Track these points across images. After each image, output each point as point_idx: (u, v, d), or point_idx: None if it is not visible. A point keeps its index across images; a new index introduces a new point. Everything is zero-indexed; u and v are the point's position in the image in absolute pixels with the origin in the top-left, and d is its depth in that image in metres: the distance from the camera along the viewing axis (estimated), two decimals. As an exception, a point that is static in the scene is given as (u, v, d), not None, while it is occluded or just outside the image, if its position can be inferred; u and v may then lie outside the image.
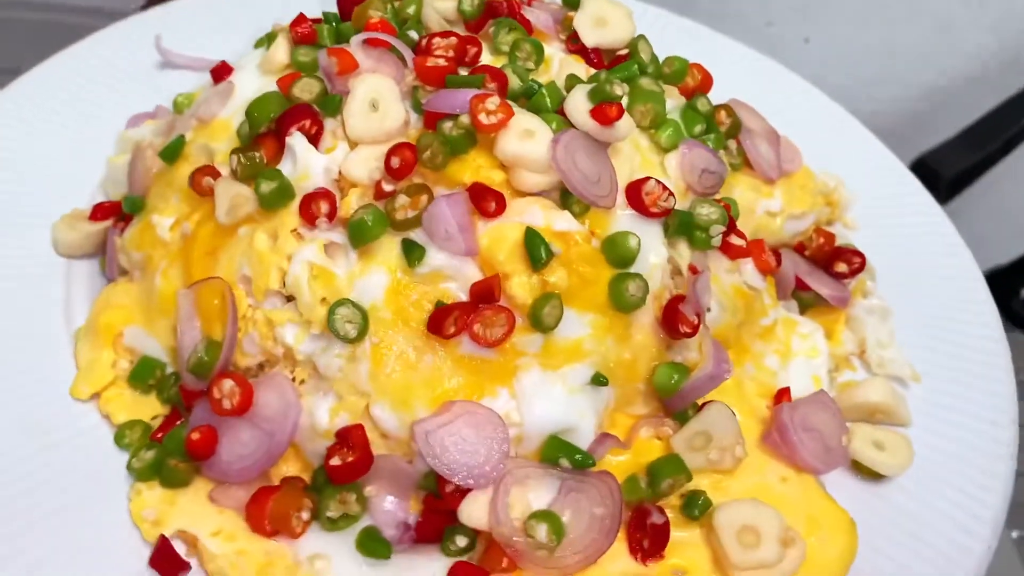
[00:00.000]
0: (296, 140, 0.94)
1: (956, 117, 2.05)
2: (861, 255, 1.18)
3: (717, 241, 1.00)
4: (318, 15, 1.10)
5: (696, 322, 0.94)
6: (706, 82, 1.16)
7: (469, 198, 0.90)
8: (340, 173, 0.93)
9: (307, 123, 0.95)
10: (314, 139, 0.96)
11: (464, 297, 0.90)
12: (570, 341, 0.91)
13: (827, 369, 1.11)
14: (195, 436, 0.89)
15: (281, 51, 1.03)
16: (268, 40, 1.09)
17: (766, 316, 1.08)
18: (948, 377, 1.13)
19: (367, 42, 1.00)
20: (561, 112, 0.96)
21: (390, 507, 0.89)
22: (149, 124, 1.18)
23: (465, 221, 0.90)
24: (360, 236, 0.89)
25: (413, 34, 1.05)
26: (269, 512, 0.87)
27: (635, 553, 0.90)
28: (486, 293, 0.88)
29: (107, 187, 1.17)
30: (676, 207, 0.98)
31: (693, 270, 0.98)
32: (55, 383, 0.98)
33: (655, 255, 0.95)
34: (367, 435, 0.88)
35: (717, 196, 1.06)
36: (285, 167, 0.94)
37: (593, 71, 1.07)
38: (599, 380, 0.92)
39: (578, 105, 0.95)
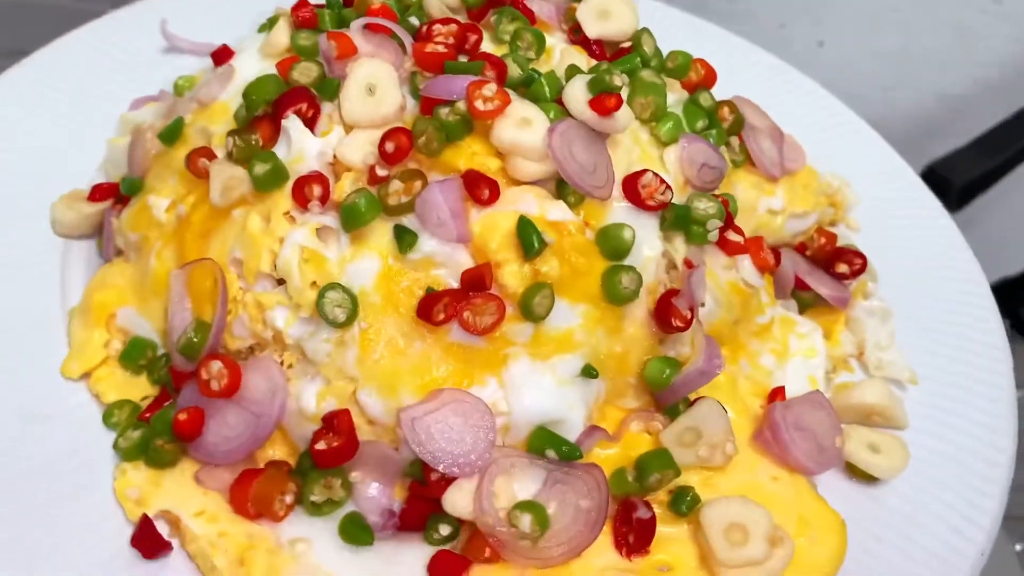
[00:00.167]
0: (291, 123, 0.94)
1: (971, 125, 2.03)
2: (862, 256, 1.17)
3: (714, 236, 0.99)
4: (322, 0, 1.10)
5: (689, 316, 0.93)
6: (709, 77, 1.15)
7: (463, 185, 0.90)
8: (335, 157, 0.93)
9: (304, 106, 0.95)
10: (311, 122, 0.95)
11: (455, 284, 0.89)
12: (561, 331, 0.90)
13: (824, 370, 1.09)
14: (182, 417, 0.88)
15: (282, 35, 1.03)
16: (270, 24, 1.09)
17: (763, 314, 1.07)
18: (948, 381, 1.12)
19: (367, 27, 1.00)
20: (559, 102, 0.96)
21: (374, 493, 0.89)
22: (150, 107, 1.18)
23: (458, 208, 0.89)
24: (352, 220, 0.88)
25: (414, 20, 1.05)
26: (253, 494, 0.87)
27: (620, 547, 0.89)
28: (477, 281, 0.88)
29: (107, 169, 1.17)
30: (674, 201, 0.98)
31: (688, 264, 0.97)
32: (47, 361, 0.98)
33: (649, 248, 0.95)
34: (353, 420, 0.88)
35: (716, 192, 1.05)
36: (280, 150, 0.94)
37: (595, 63, 1.06)
38: (589, 372, 0.91)
39: (577, 95, 0.94)
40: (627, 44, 1.11)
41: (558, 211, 0.91)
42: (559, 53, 1.06)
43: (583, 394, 0.91)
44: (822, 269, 1.17)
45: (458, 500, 0.85)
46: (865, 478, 1.00)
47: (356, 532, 0.86)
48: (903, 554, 0.95)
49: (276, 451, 0.92)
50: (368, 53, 0.97)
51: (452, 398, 0.87)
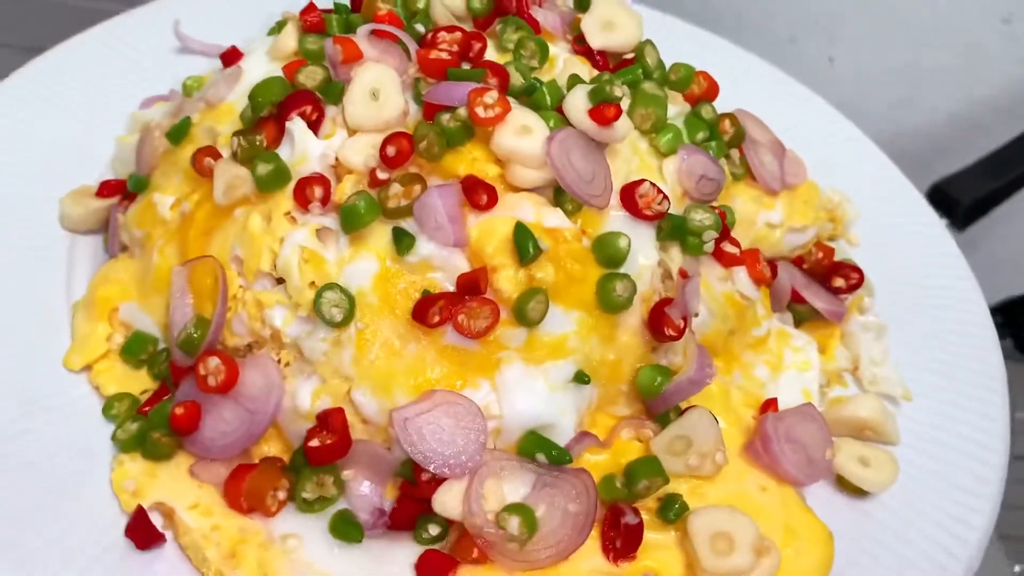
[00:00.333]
0: (295, 125, 0.95)
1: (980, 145, 2.03)
2: (859, 271, 1.18)
3: (710, 247, 1.00)
4: (330, 5, 1.11)
5: (682, 326, 0.94)
6: (712, 90, 1.16)
7: (461, 190, 0.91)
8: (337, 159, 0.95)
9: (308, 109, 0.96)
10: (314, 125, 0.97)
11: (451, 288, 0.90)
12: (554, 337, 0.91)
13: (819, 383, 1.10)
14: (179, 411, 0.90)
15: (289, 39, 1.05)
16: (279, 28, 1.11)
17: (759, 327, 1.08)
18: (942, 398, 1.12)
19: (374, 33, 1.01)
20: (560, 111, 0.97)
21: (366, 492, 0.90)
22: (160, 106, 1.20)
23: (456, 212, 0.90)
24: (351, 222, 0.90)
25: (420, 27, 1.06)
26: (246, 489, 0.88)
27: (607, 552, 0.90)
28: (472, 285, 0.89)
29: (116, 166, 1.19)
30: (671, 212, 0.99)
31: (683, 274, 0.98)
32: (50, 353, 1.00)
33: (645, 257, 0.96)
34: (347, 419, 0.89)
35: (715, 204, 1.06)
36: (283, 151, 0.96)
37: (597, 73, 1.07)
38: (582, 378, 0.92)
39: (577, 104, 0.96)
40: (630, 55, 1.12)
41: (555, 218, 0.93)
42: (562, 63, 1.07)
43: (575, 400, 0.92)
44: (819, 283, 1.17)
45: (447, 501, 0.86)
46: (855, 491, 1.01)
47: (346, 529, 0.87)
48: (890, 569, 0.96)
49: (271, 447, 0.94)
50: (373, 58, 0.99)
51: (444, 399, 0.88)
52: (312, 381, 0.91)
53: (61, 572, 0.82)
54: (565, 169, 0.92)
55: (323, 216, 0.93)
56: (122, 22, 1.36)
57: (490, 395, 0.90)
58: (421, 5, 1.09)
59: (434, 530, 0.88)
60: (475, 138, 0.94)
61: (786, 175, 1.19)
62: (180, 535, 0.87)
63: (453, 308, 0.88)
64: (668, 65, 1.16)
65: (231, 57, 1.11)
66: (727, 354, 1.06)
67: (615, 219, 0.96)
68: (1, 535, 0.83)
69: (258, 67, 1.06)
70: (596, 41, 1.10)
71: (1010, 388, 1.15)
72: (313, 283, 0.90)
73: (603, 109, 0.94)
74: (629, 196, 0.96)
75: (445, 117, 0.93)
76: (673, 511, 0.91)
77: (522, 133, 0.92)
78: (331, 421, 0.88)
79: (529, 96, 0.99)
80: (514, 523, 0.85)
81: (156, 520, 0.88)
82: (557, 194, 0.94)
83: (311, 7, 1.07)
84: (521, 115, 0.94)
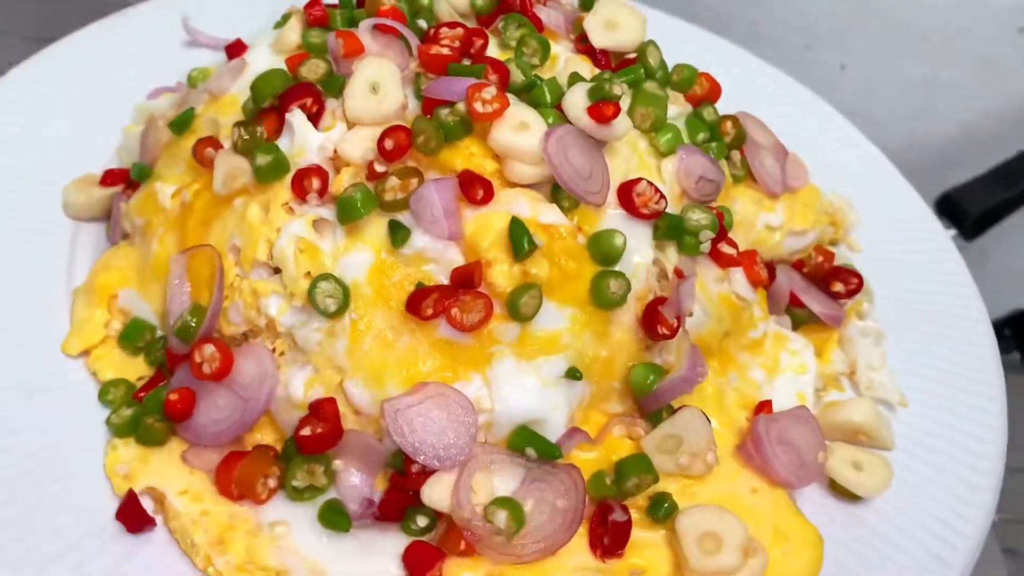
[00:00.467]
0: (295, 116, 0.96)
1: (993, 157, 2.02)
2: (859, 276, 1.17)
3: (706, 247, 1.00)
4: (335, 0, 1.12)
5: (675, 325, 0.94)
6: (714, 91, 1.16)
7: (458, 184, 0.92)
8: (335, 152, 0.95)
9: (308, 101, 0.97)
10: (315, 117, 0.97)
11: (445, 281, 0.91)
12: (547, 333, 0.92)
13: (814, 387, 1.10)
14: (173, 397, 0.91)
15: (293, 32, 1.06)
16: (284, 21, 1.12)
17: (755, 328, 1.07)
18: (938, 405, 1.12)
19: (376, 27, 1.02)
20: (559, 108, 0.97)
21: (356, 482, 0.90)
22: (165, 97, 1.21)
23: (451, 206, 0.91)
24: (347, 213, 0.90)
25: (423, 23, 1.07)
26: (237, 476, 0.89)
27: (595, 549, 0.90)
28: (466, 278, 0.89)
29: (122, 155, 1.20)
30: (668, 211, 0.99)
31: (679, 274, 0.98)
32: (49, 338, 1.01)
33: (640, 255, 0.96)
34: (340, 410, 0.90)
35: (713, 204, 1.06)
36: (283, 143, 0.96)
37: (598, 72, 1.07)
38: (574, 374, 0.92)
39: (576, 101, 0.96)
40: (633, 55, 1.13)
41: (551, 214, 0.93)
42: (564, 61, 1.07)
43: (566, 396, 0.92)
44: (818, 287, 1.17)
45: (436, 493, 0.87)
46: (847, 496, 1.01)
47: (334, 518, 0.87)
48: (881, 573, 0.95)
49: (264, 436, 0.94)
50: (375, 53, 1.00)
51: (436, 392, 0.88)
52: (306, 371, 0.92)
53: (51, 553, 0.83)
54: (562, 166, 0.92)
55: (320, 207, 0.94)
56: (132, 15, 1.38)
57: (482, 389, 0.90)
58: (425, 2, 1.10)
59: (422, 521, 0.89)
60: (473, 133, 0.94)
61: (787, 178, 1.19)
62: (170, 520, 0.88)
63: (446, 301, 0.89)
64: (672, 66, 1.16)
65: (236, 49, 1.12)
66: (722, 355, 1.06)
67: (612, 217, 0.96)
68: (-6, 514, 0.84)
69: (262, 60, 1.07)
70: (598, 40, 1.11)
71: (1015, 400, 1.15)
72: (308, 273, 0.91)
73: (602, 107, 0.94)
74: (626, 194, 0.96)
75: (444, 112, 0.93)
76: (662, 510, 0.91)
77: (520, 129, 0.93)
78: (323, 411, 0.89)
79: (529, 93, 0.99)
80: (501, 517, 0.85)
81: (147, 505, 0.89)
82: (554, 191, 0.95)
83: (315, 1, 1.08)
84: (519, 111, 0.94)
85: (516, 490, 0.88)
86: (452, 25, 1.04)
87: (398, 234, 0.90)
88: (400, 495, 0.90)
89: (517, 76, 1.00)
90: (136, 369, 1.00)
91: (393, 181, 0.91)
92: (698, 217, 0.99)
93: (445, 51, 0.99)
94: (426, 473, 0.88)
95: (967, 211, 1.90)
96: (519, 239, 0.89)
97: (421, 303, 0.88)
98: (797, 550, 0.92)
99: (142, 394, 0.96)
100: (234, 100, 1.05)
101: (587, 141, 0.95)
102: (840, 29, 2.19)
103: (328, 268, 0.91)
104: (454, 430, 0.87)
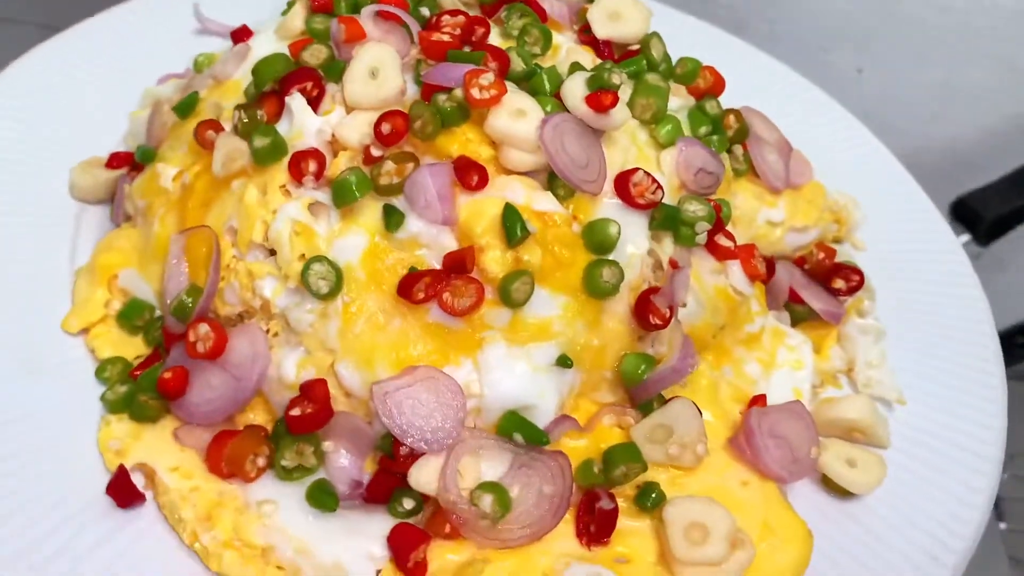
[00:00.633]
0: (294, 100, 0.97)
1: (1010, 163, 2.00)
2: (860, 273, 1.17)
3: (702, 239, 0.99)
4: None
5: (668, 315, 0.94)
6: (718, 85, 1.16)
7: (453, 170, 0.92)
8: (333, 135, 0.96)
9: (309, 85, 0.98)
10: (315, 101, 0.98)
11: (438, 266, 0.91)
12: (539, 320, 0.92)
13: (811, 383, 1.09)
14: (167, 375, 0.91)
15: (297, 18, 1.07)
16: (290, 8, 1.13)
17: (752, 323, 1.07)
18: (938, 406, 1.11)
19: (379, 14, 1.03)
20: (559, 97, 0.97)
21: (345, 464, 0.91)
22: (172, 82, 1.22)
23: (446, 191, 0.91)
24: (342, 196, 0.91)
25: (425, 11, 1.07)
26: (227, 454, 0.89)
27: (581, 536, 0.89)
28: (459, 263, 0.90)
29: (129, 140, 1.22)
30: (666, 202, 0.99)
31: (673, 264, 0.98)
32: (50, 316, 1.02)
33: (634, 245, 0.96)
34: (331, 392, 0.90)
35: (713, 197, 1.05)
36: (282, 126, 0.97)
37: (600, 62, 1.07)
38: (564, 362, 0.92)
39: (574, 90, 0.96)
40: (636, 47, 1.13)
41: (545, 202, 0.93)
42: (565, 51, 1.08)
43: (556, 383, 0.92)
44: (819, 284, 1.17)
45: (423, 476, 0.87)
46: (840, 492, 1.00)
47: (322, 498, 0.88)
48: (871, 570, 0.94)
49: (256, 416, 0.95)
50: (376, 38, 1.00)
51: (426, 375, 0.89)
52: (298, 352, 0.92)
53: (41, 525, 0.84)
54: (558, 154, 0.92)
55: (316, 191, 0.94)
56: (144, 3, 1.39)
57: (472, 374, 0.90)
58: (430, -10, 1.11)
59: (408, 504, 0.89)
60: (470, 120, 0.95)
61: (791, 174, 1.19)
62: (159, 495, 0.89)
63: (438, 286, 0.89)
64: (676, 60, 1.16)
65: (241, 35, 1.13)
66: (718, 348, 1.05)
67: (608, 206, 0.96)
68: (-14, 485, 0.85)
69: (266, 45, 1.08)
70: (601, 31, 1.11)
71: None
72: (303, 255, 0.91)
73: (600, 96, 0.94)
74: (623, 184, 0.96)
75: (441, 98, 0.94)
76: (651, 500, 0.91)
77: (517, 116, 0.93)
78: (313, 392, 0.89)
79: (528, 81, 0.99)
80: (487, 501, 0.85)
81: (138, 481, 0.89)
82: (551, 179, 0.95)
83: (320, -12, 1.09)
84: (517, 98, 0.94)
85: (503, 475, 0.88)
86: (454, 13, 1.04)
87: (392, 218, 0.90)
88: (388, 477, 0.90)
89: (517, 64, 1.00)
90: (134, 348, 1.01)
91: (389, 165, 0.92)
92: (695, 208, 0.99)
93: (446, 38, 1.00)
94: (414, 456, 0.88)
95: (981, 216, 1.88)
96: (512, 225, 0.89)
97: (412, 287, 0.88)
98: (785, 544, 0.91)
99: (138, 372, 0.97)
100: (237, 85, 1.06)
101: (584, 130, 0.95)
102: (857, 32, 2.17)
103: (322, 251, 0.91)
104: (442, 414, 0.88)
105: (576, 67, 1.02)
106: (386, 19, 1.02)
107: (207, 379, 0.92)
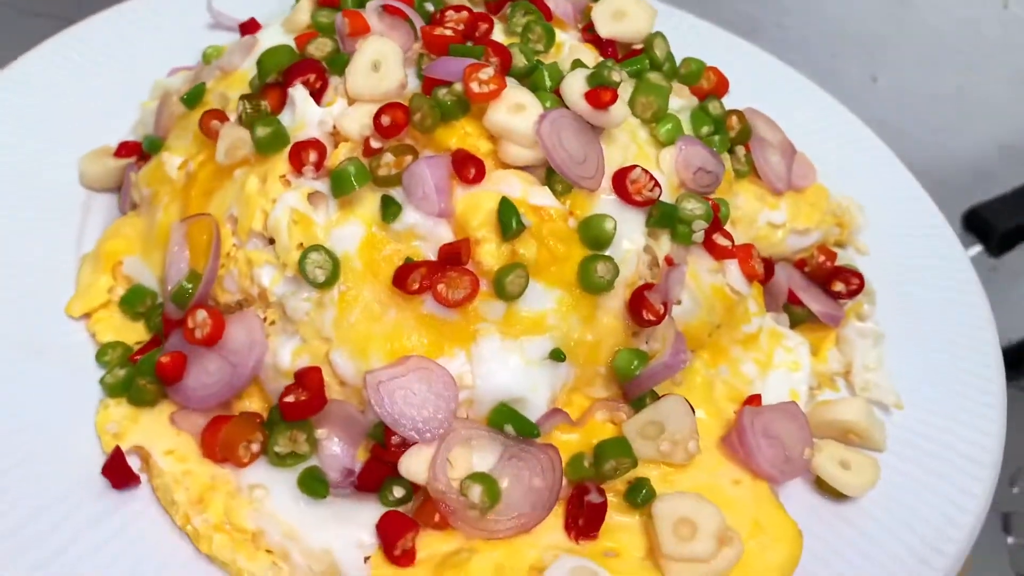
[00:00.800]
0: (297, 91, 0.98)
1: (1024, 175, 1.99)
2: (860, 276, 1.16)
3: (699, 237, 1.00)
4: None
5: (662, 311, 0.94)
6: (721, 86, 1.16)
7: (451, 163, 0.93)
8: (335, 127, 0.97)
9: (312, 77, 0.99)
10: (318, 93, 0.99)
11: (434, 258, 0.92)
12: (533, 313, 0.92)
13: (808, 385, 1.09)
14: (165, 360, 0.93)
15: (303, 12, 1.08)
16: (298, 2, 1.14)
17: (749, 323, 1.07)
18: (936, 410, 1.10)
19: (384, 8, 1.04)
20: (559, 93, 0.98)
21: (337, 451, 0.91)
22: (182, 74, 1.24)
23: (443, 184, 0.92)
24: (340, 186, 0.92)
25: (430, 6, 1.08)
26: (221, 439, 0.90)
27: (569, 530, 0.90)
28: (454, 255, 0.90)
29: (139, 130, 1.23)
30: (664, 200, 0.99)
31: (669, 262, 0.98)
32: (54, 300, 1.03)
33: (630, 242, 0.96)
34: (325, 380, 0.91)
35: (712, 197, 1.05)
36: (285, 117, 0.98)
37: (602, 60, 1.08)
38: (558, 355, 0.92)
39: (574, 86, 0.96)
40: (640, 46, 1.13)
41: (542, 196, 0.93)
42: (568, 49, 1.08)
43: (549, 377, 0.93)
44: (818, 286, 1.16)
45: (413, 465, 0.88)
46: (833, 494, 1.00)
47: (313, 484, 0.89)
48: (861, 571, 0.94)
49: (252, 403, 0.96)
50: (379, 32, 1.01)
51: (419, 366, 0.89)
52: (294, 340, 0.93)
53: (36, 502, 0.85)
54: (555, 149, 0.93)
55: (316, 181, 0.95)
56: (159, -4, 1.41)
57: (465, 365, 0.91)
58: (437, -14, 1.12)
59: (398, 492, 0.89)
60: (470, 114, 0.95)
61: (794, 176, 1.19)
62: (153, 477, 0.90)
63: (433, 277, 0.90)
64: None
65: (249, 28, 1.14)
66: (715, 347, 1.05)
67: (605, 203, 0.97)
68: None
69: (273, 38, 1.09)
70: (605, 29, 1.12)
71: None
72: (300, 244, 0.92)
73: (599, 92, 0.95)
74: (620, 181, 0.97)
75: (442, 91, 0.95)
76: (641, 495, 0.91)
77: (516, 111, 0.94)
78: (307, 379, 0.90)
79: (529, 77, 1.00)
80: (476, 491, 0.86)
81: (134, 464, 0.91)
82: (548, 174, 0.95)
83: (327, -18, 1.10)
84: (516, 93, 0.95)
85: (493, 466, 0.89)
86: (458, 8, 1.05)
87: (389, 209, 0.91)
88: (379, 466, 0.90)
89: (519, 60, 1.01)
90: (135, 333, 1.02)
91: (388, 157, 0.93)
92: (692, 207, 0.99)
93: (448, 33, 1.01)
94: (406, 445, 0.89)
95: (993, 227, 1.87)
96: (508, 219, 0.90)
97: (407, 277, 0.89)
98: (775, 543, 0.91)
99: (137, 357, 0.98)
100: (244, 76, 1.07)
101: (583, 126, 0.96)
102: (872, 40, 2.17)
103: (320, 240, 0.92)
104: (434, 404, 0.88)
105: (578, 64, 1.03)
106: (390, 13, 1.03)
107: (204, 365, 0.94)
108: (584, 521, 0.89)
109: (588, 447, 0.93)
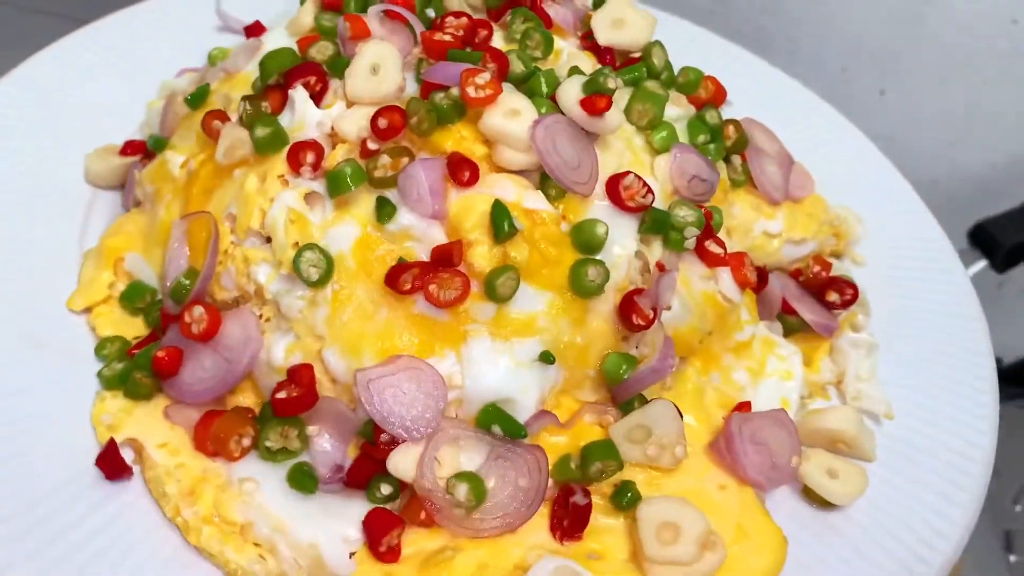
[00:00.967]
0: (297, 93, 0.99)
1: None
2: (854, 287, 1.17)
3: (690, 243, 1.00)
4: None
5: (651, 316, 0.95)
6: (719, 95, 1.17)
7: (446, 165, 0.94)
8: (333, 128, 0.98)
9: (312, 79, 1.01)
10: (318, 95, 1.01)
11: (427, 259, 0.93)
12: (524, 315, 0.93)
13: (800, 394, 1.09)
14: (161, 354, 0.94)
15: (307, 16, 1.10)
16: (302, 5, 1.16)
17: (741, 331, 1.07)
18: (928, 421, 1.10)
19: (385, 13, 1.06)
20: (555, 99, 0.99)
21: (327, 448, 0.92)
22: (188, 75, 1.26)
23: (437, 186, 0.93)
24: (336, 186, 0.93)
25: (431, 12, 1.10)
26: (213, 433, 0.92)
27: (554, 531, 0.90)
28: (446, 256, 0.92)
29: (145, 129, 1.26)
30: (657, 207, 1.00)
31: (660, 267, 0.99)
32: (56, 294, 1.05)
33: (621, 247, 0.97)
34: (317, 377, 0.93)
35: (707, 205, 1.06)
36: (284, 118, 1.00)
37: (599, 67, 1.09)
38: (547, 358, 0.93)
39: (570, 92, 0.98)
40: (638, 55, 1.14)
41: (535, 200, 0.95)
42: (566, 56, 1.10)
43: (538, 379, 0.94)
44: (812, 296, 1.17)
45: (401, 463, 0.89)
46: (820, 503, 1.00)
47: (302, 479, 0.90)
48: (844, 578, 0.95)
49: (246, 399, 0.97)
50: (380, 37, 1.03)
51: (409, 365, 0.90)
52: (288, 337, 0.95)
53: (30, 491, 0.87)
54: (549, 154, 0.94)
55: (313, 181, 0.97)
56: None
57: (455, 366, 0.92)
58: (439, -7, 1.13)
59: (386, 490, 0.90)
60: (466, 118, 0.97)
61: (791, 187, 1.19)
62: (146, 469, 0.91)
63: (425, 277, 0.91)
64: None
65: (254, 30, 1.16)
66: (706, 354, 1.06)
67: (598, 208, 0.98)
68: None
69: (277, 41, 1.11)
70: (604, 37, 1.13)
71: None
72: (296, 243, 0.94)
73: (594, 99, 0.96)
74: (613, 187, 0.98)
75: (439, 95, 0.96)
76: (626, 498, 0.92)
77: (511, 116, 0.95)
78: (299, 376, 0.92)
79: (526, 83, 1.01)
80: (462, 490, 0.87)
81: (128, 456, 0.92)
82: (543, 179, 0.96)
83: (332, -14, 1.12)
84: (512, 98, 0.96)
85: (480, 466, 0.90)
86: (457, 14, 1.07)
87: (384, 210, 0.93)
88: (368, 463, 0.92)
89: (517, 66, 1.02)
90: (135, 329, 1.04)
91: (384, 159, 0.94)
92: (684, 214, 1.00)
93: (447, 38, 1.02)
94: (395, 443, 0.90)
95: (999, 242, 1.86)
96: (500, 221, 0.91)
97: (400, 277, 0.90)
98: (758, 549, 0.92)
99: (135, 351, 1.00)
100: (247, 78, 1.09)
101: (578, 132, 0.97)
102: (881, 53, 2.17)
103: (315, 239, 0.94)
104: (424, 403, 0.89)
105: (575, 71, 1.04)
106: (392, 18, 1.05)
107: (199, 360, 0.95)
108: (569, 522, 0.90)
109: (575, 449, 0.94)
